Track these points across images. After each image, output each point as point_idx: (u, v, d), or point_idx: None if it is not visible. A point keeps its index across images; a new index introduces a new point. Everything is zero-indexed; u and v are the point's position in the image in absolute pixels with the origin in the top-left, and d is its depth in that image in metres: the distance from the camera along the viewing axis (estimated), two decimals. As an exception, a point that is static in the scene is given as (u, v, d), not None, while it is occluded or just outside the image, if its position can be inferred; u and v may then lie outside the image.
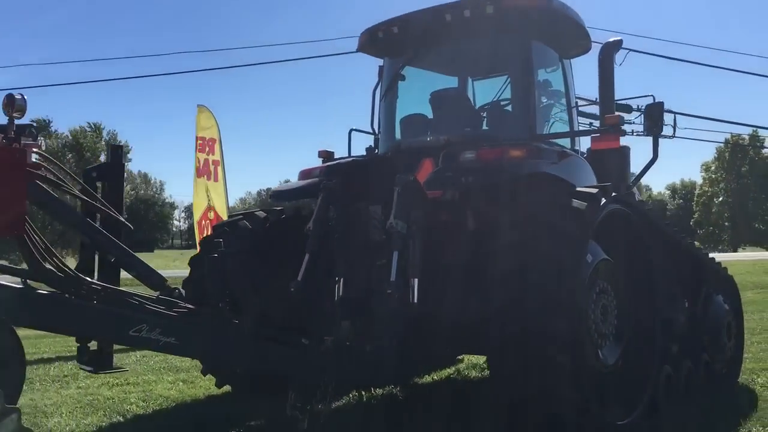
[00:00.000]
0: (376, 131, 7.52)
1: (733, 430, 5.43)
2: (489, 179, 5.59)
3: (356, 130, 7.85)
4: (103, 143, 69.30)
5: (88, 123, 69.63)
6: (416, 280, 5.31)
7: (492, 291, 4.92)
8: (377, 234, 5.75)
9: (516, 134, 6.30)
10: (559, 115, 7.17)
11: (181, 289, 4.64)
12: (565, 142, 6.83)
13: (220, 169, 13.14)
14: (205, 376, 6.94)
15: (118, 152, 5.00)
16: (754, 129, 54.37)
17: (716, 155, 71.14)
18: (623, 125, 6.47)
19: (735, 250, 64.98)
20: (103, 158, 68.44)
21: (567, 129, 6.93)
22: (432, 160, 6.03)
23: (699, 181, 77.84)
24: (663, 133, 22.81)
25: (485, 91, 7.35)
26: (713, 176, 73.85)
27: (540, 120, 6.93)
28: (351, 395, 6.85)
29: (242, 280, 5.13)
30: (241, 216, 6.96)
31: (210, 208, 13.01)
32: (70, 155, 67.62)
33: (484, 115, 7.03)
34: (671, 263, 6.55)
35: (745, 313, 16.79)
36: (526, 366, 4.79)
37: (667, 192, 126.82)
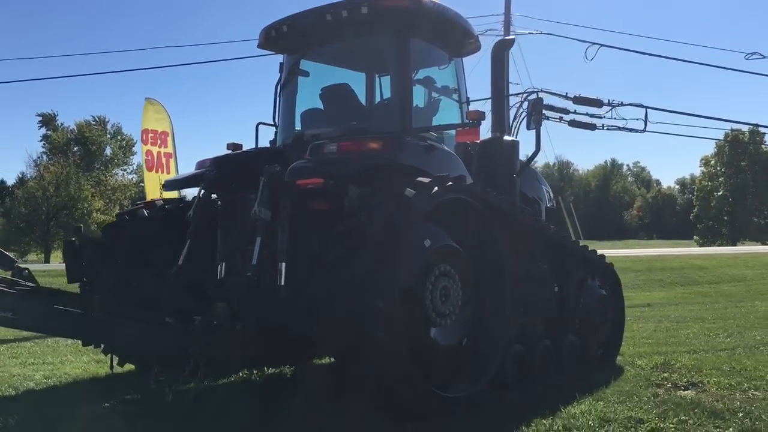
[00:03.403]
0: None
1: (567, 404, 5.80)
2: (344, 169, 6.01)
3: (263, 123, 8.25)
4: (108, 137, 69.88)
5: (93, 116, 70.18)
6: (284, 264, 5.71)
7: (327, 274, 5.34)
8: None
9: (394, 128, 6.70)
10: (449, 110, 7.58)
11: (30, 271, 5.08)
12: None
13: (172, 161, 13.59)
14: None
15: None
16: (754, 125, 54.20)
17: (716, 150, 71.05)
18: (483, 120, 6.83)
19: (734, 244, 64.85)
20: (108, 151, 69.31)
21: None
22: None
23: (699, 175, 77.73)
24: (633, 128, 22.80)
25: (387, 86, 7.75)
26: (713, 171, 73.73)
27: (422, 115, 7.35)
28: (240, 375, 7.27)
29: (96, 263, 5.55)
30: (142, 204, 7.40)
31: (163, 201, 13.41)
32: (76, 148, 68.20)
33: (372, 109, 7.45)
34: (536, 251, 6.95)
35: (715, 304, 17.49)
36: (354, 344, 5.22)
37: (677, 186, 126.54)
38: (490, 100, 8.25)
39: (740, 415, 5.53)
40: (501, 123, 8.08)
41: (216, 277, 6.35)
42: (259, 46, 7.72)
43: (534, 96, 7.83)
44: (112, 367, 6.39)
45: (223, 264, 6.38)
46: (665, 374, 7.17)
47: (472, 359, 6.11)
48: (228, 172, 6.79)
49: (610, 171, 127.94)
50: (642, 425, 5.27)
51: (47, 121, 68.94)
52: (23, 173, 62.81)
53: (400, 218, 5.37)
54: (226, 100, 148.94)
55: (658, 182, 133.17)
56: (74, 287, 6.42)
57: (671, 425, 5.27)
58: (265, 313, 5.69)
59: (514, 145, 8.05)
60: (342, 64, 7.85)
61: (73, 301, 5.23)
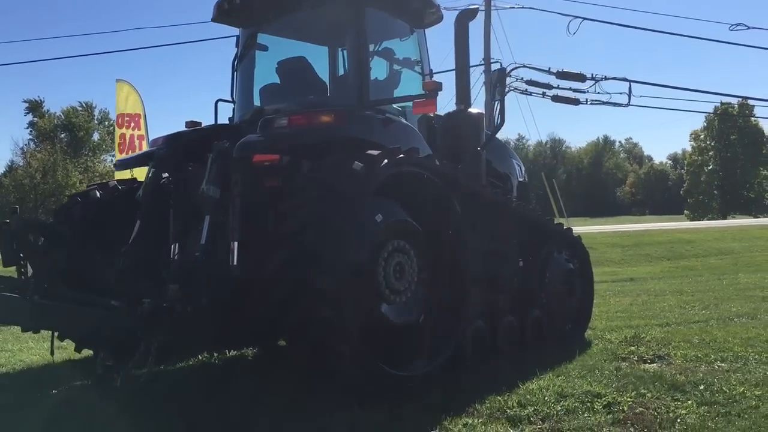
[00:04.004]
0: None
1: (527, 379, 5.69)
2: (293, 144, 5.84)
3: (222, 100, 8.05)
4: (95, 122, 69.30)
5: (80, 102, 69.55)
6: (236, 243, 5.53)
7: (272, 252, 5.18)
8: None
9: (351, 101, 6.53)
10: (411, 82, 7.39)
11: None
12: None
13: (145, 143, 13.38)
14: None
15: None
16: (743, 98, 54.11)
17: (705, 124, 70.90)
18: (440, 91, 6.65)
19: (725, 218, 64.88)
20: (96, 137, 68.67)
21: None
22: None
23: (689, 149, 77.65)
24: (618, 102, 22.71)
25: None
26: (702, 145, 73.62)
27: (382, 87, 7.17)
28: (199, 358, 7.13)
29: (31, 245, 5.37)
30: (96, 186, 7.20)
31: (136, 183, 13.23)
32: (63, 135, 67.66)
33: (329, 83, 7.26)
34: (498, 225, 6.80)
35: (698, 277, 17.41)
36: (300, 322, 5.07)
37: (669, 162, 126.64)
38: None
39: (701, 387, 5.42)
40: (465, 95, 7.87)
41: (170, 259, 6.18)
42: (213, 20, 7.49)
43: (497, 67, 7.62)
44: (52, 352, 6.22)
45: (176, 245, 6.20)
46: (632, 348, 7.06)
47: (430, 337, 5.96)
48: (180, 150, 6.59)
49: (603, 148, 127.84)
50: (599, 399, 5.15)
51: (34, 107, 68.25)
52: (12, 161, 62.33)
53: (347, 193, 5.20)
54: (205, 80, 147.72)
55: (650, 158, 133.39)
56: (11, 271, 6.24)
57: (629, 399, 5.16)
58: (218, 295, 5.54)
59: (479, 117, 7.87)
60: (302, 38, 7.64)
61: (8, 285, 5.06)
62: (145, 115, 13.40)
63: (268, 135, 6.01)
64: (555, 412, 4.91)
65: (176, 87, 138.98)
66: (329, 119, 5.98)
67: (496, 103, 8.34)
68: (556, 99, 22.43)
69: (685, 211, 73.63)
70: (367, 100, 6.53)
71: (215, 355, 7.28)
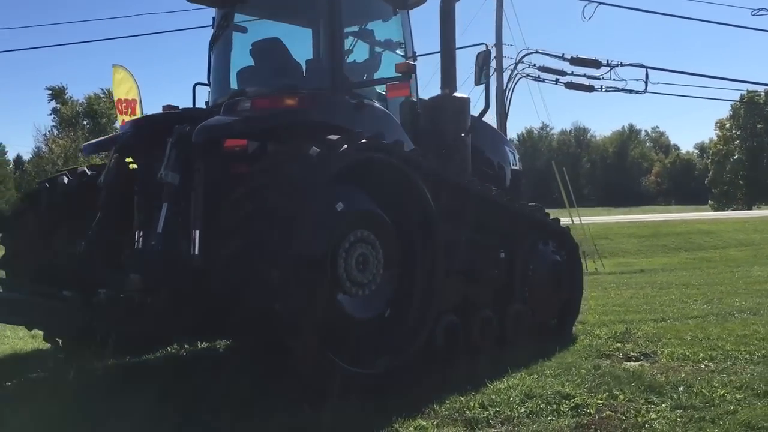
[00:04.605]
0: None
1: (496, 378, 5.39)
2: (254, 128, 5.59)
3: (201, 83, 7.81)
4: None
5: (102, 89, 69.88)
6: (197, 232, 5.31)
7: (223, 242, 4.93)
8: None
9: (325, 84, 6.26)
10: (393, 65, 7.07)
11: None
12: None
13: (141, 129, 13.13)
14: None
15: None
16: (770, 86, 52.85)
17: (731, 112, 69.42)
18: (413, 73, 6.33)
19: (750, 209, 63.65)
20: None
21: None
22: None
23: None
24: (634, 89, 22.20)
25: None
26: (728, 134, 72.12)
27: (360, 70, 6.89)
28: (168, 350, 6.92)
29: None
30: (65, 171, 7.00)
31: (132, 169, 13.05)
32: (85, 121, 68.10)
33: (304, 65, 6.97)
34: (476, 214, 6.48)
35: (712, 269, 16.95)
36: (249, 316, 4.81)
37: (696, 151, 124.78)
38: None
39: (680, 389, 5.09)
40: (450, 79, 7.57)
41: (134, 247, 5.95)
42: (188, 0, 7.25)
43: (483, 48, 7.26)
44: None
45: (140, 233, 5.97)
46: (619, 344, 6.74)
47: (397, 332, 5.68)
48: (147, 134, 6.34)
49: (628, 137, 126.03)
50: (567, 401, 4.85)
51: (57, 94, 68.69)
52: (38, 148, 62.90)
53: (303, 180, 4.91)
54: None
55: (676, 147, 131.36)
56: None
57: (599, 401, 4.85)
58: (179, 285, 5.31)
59: (465, 102, 7.53)
60: (282, 18, 7.35)
61: None
62: (140, 101, 13.19)
63: (229, 119, 5.76)
64: (517, 414, 4.62)
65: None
66: (293, 103, 5.72)
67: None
68: (569, 86, 21.93)
69: (710, 202, 72.31)
70: (340, 83, 6.24)
71: (185, 347, 7.06)
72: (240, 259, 4.80)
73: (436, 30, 7.51)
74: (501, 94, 22.11)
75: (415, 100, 7.19)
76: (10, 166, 67.50)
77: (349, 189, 5.39)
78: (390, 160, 5.59)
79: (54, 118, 67.32)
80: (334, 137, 5.21)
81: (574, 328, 7.62)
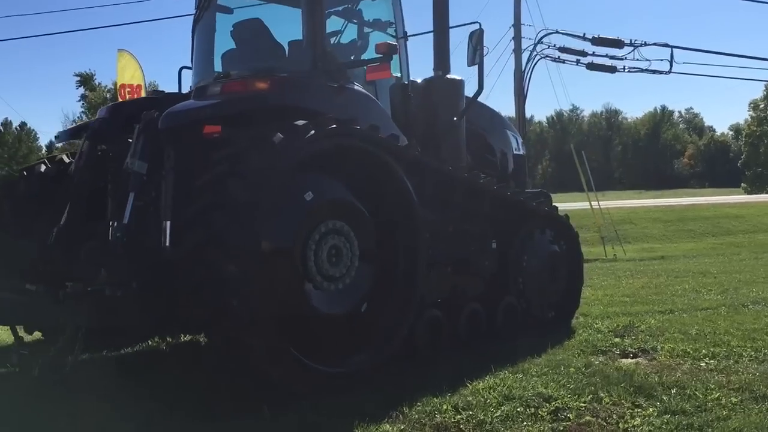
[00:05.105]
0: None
1: (476, 377, 5.08)
2: (221, 113, 5.31)
3: (187, 67, 7.56)
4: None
5: (129, 75, 70.31)
6: (168, 222, 5.05)
7: (183, 234, 4.67)
8: None
9: (306, 66, 5.97)
10: (381, 45, 6.74)
11: None
12: None
13: (146, 115, 12.97)
14: None
15: None
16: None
17: (765, 92, 67.55)
18: (395, 53, 5.99)
19: (784, 192, 62.05)
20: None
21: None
22: None
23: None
24: (658, 69, 21.60)
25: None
26: (762, 115, 70.21)
27: (345, 51, 6.59)
28: (149, 344, 6.72)
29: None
30: (43, 160, 6.81)
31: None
32: (113, 107, 68.52)
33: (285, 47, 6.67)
34: (463, 202, 6.15)
35: (735, 255, 16.39)
36: (208, 313, 4.56)
37: (731, 133, 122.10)
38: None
39: (673, 391, 4.74)
40: (444, 60, 7.22)
41: (108, 239, 5.72)
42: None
43: (476, 27, 6.87)
44: None
45: (114, 223, 5.74)
46: (618, 339, 6.40)
47: (374, 328, 5.39)
48: (121, 121, 6.10)
49: (660, 118, 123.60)
50: (548, 404, 4.53)
51: (85, 80, 69.15)
52: (68, 135, 63.34)
53: (265, 168, 4.63)
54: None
55: (711, 129, 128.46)
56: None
57: (582, 404, 4.52)
58: (150, 278, 5.06)
59: (459, 84, 7.17)
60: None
61: None
62: (145, 85, 13.03)
63: (197, 104, 5.50)
64: (491, 419, 4.30)
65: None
66: (264, 86, 5.43)
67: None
68: (591, 67, 21.34)
69: (742, 185, 70.57)
70: (320, 65, 5.94)
71: (168, 340, 6.84)
72: (199, 252, 4.55)
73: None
74: (519, 75, 21.61)
75: (406, 82, 6.87)
76: (43, 151, 68.12)
77: (320, 177, 5.10)
78: (365, 146, 5.28)
79: (82, 104, 67.83)
80: (300, 123, 4.90)
81: (573, 321, 7.26)
